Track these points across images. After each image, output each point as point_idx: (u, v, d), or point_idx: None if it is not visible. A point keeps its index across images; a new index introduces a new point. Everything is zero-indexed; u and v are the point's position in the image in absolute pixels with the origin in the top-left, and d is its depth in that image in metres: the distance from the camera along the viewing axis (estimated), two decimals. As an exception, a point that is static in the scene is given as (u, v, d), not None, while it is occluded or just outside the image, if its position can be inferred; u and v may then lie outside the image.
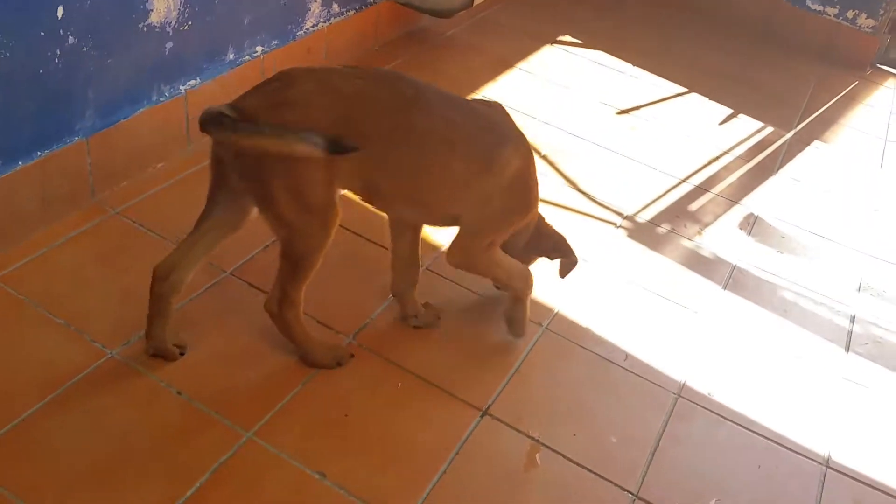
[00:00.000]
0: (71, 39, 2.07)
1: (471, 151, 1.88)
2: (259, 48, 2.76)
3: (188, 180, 2.43)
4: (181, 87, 2.49)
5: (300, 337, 1.91)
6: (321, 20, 3.01)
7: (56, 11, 2.01)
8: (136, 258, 2.09)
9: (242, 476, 1.66)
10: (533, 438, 1.92)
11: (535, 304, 2.23)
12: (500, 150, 1.89)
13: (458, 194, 1.91)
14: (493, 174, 1.89)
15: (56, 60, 2.05)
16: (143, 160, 2.43)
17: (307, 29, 2.95)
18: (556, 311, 2.30)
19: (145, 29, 2.30)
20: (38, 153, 2.10)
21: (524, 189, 2.00)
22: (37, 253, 2.08)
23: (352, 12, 3.16)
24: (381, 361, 2.02)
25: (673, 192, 2.96)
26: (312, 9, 2.94)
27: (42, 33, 1.99)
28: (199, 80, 2.54)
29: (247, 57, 2.72)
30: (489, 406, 1.97)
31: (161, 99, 2.43)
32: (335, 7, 3.06)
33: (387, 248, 2.10)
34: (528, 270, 2.13)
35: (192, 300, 2.03)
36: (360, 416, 1.87)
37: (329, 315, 2.08)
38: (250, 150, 1.68)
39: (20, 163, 2.05)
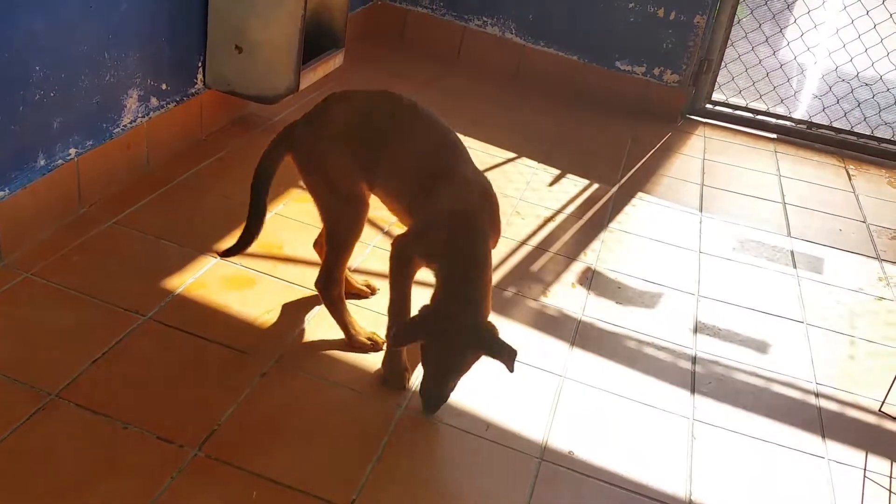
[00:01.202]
0: None
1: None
2: (72, 150, 2.63)
3: (3, 297, 2.26)
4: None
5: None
6: (139, 115, 2.92)
7: None
8: None
9: None
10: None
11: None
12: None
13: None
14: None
15: None
16: None
17: (124, 126, 2.85)
18: (412, 387, 2.28)
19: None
20: None
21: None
22: None
23: (172, 104, 3.09)
24: (234, 471, 1.91)
25: (514, 255, 3.05)
26: (128, 105, 2.85)
27: None
28: (7, 190, 2.39)
29: (59, 160, 2.58)
30: (353, 501, 1.91)
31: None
32: (153, 101, 2.98)
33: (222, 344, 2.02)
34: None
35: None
36: None
37: (172, 425, 1.97)
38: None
39: None
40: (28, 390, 2.00)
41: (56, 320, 2.24)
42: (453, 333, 2.05)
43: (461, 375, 2.13)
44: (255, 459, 1.94)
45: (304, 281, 2.58)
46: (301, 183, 2.47)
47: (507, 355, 2.04)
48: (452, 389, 2.16)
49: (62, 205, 2.62)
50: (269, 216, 2.87)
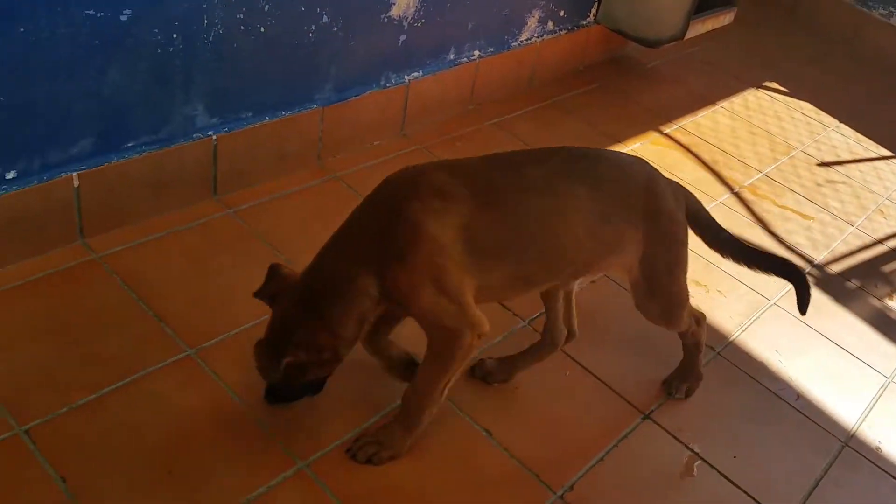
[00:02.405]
0: (325, 19, 2.38)
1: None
2: (476, 52, 3.01)
3: (399, 160, 2.70)
4: (405, 77, 2.77)
5: None
6: (535, 35, 3.24)
7: (318, -7, 2.34)
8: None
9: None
10: (691, 450, 1.99)
11: (711, 329, 2.31)
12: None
13: None
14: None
15: (310, 35, 2.37)
16: (364, 136, 2.72)
17: (521, 41, 3.19)
18: (730, 338, 2.36)
19: (385, 20, 2.59)
20: (283, 113, 2.42)
21: None
22: (268, 197, 2.40)
23: (563, 32, 3.37)
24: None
25: (867, 250, 2.94)
26: (529, 23, 3.17)
27: (302, 9, 2.31)
28: (421, 73, 2.82)
29: (465, 59, 2.98)
30: (651, 412, 2.07)
31: (387, 85, 2.72)
32: (550, 24, 3.28)
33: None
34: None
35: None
36: (528, 393, 2.02)
37: (513, 303, 2.26)
38: None
39: (267, 118, 2.38)
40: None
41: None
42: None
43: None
44: (574, 347, 2.17)
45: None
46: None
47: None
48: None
49: (458, 97, 3.03)
50: (632, 147, 3.07)
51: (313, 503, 1.63)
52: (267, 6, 2.19)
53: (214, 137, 2.26)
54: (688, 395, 2.14)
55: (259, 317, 1.91)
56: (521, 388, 2.02)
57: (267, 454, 1.70)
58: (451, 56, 2.93)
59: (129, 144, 2.08)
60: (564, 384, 2.08)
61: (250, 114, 2.34)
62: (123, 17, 1.89)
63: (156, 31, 1.98)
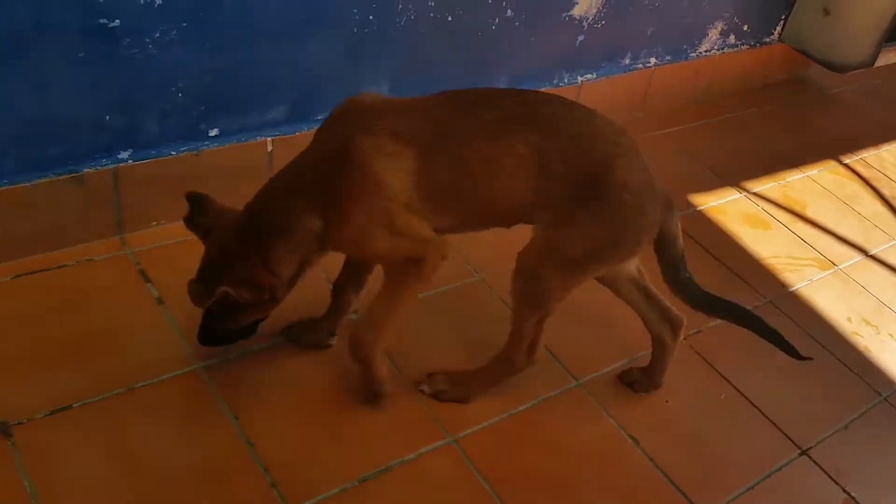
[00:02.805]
0: (509, 12, 2.44)
1: None
2: (653, 60, 2.99)
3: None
4: (578, 78, 2.79)
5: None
6: (715, 47, 3.17)
7: (506, -15, 2.39)
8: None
9: (563, 412, 1.88)
10: (847, 493, 1.90)
11: (878, 372, 2.20)
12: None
13: None
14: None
15: (493, 27, 2.43)
16: (530, 132, 2.76)
17: (700, 52, 3.13)
18: (900, 382, 2.24)
19: (566, 19, 2.62)
20: (458, 101, 2.50)
21: None
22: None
23: (745, 47, 3.29)
24: (710, 370, 2.12)
25: None
26: (710, 35, 3.11)
27: (490, 1, 2.38)
28: (594, 75, 2.83)
29: (640, 65, 2.96)
30: (809, 448, 1.99)
31: (559, 84, 2.75)
32: (731, 38, 3.21)
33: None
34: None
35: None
36: (678, 408, 1.99)
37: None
38: None
39: (443, 105, 2.46)
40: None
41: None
42: None
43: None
44: (731, 370, 2.12)
45: (815, 243, 2.64)
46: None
47: None
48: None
49: (628, 103, 3.01)
50: (809, 174, 2.98)
51: (458, 476, 1.68)
52: (443, -5, 2.27)
53: (393, 118, 2.36)
54: (638, 389, 1.99)
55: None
56: (672, 403, 1.99)
57: (420, 424, 1.76)
58: (627, 61, 2.93)
59: (319, 116, 2.20)
60: (718, 405, 2.04)
61: (428, 98, 2.43)
62: (327, -5, 2.02)
63: (355, 10, 2.09)
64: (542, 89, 2.67)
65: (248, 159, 2.10)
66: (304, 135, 2.16)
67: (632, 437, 1.87)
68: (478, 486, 1.67)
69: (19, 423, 1.56)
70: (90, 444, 1.57)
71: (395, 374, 1.84)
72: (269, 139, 2.12)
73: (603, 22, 2.72)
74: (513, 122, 1.63)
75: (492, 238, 1.86)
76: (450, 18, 2.30)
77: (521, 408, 1.86)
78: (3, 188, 1.79)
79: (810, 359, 1.87)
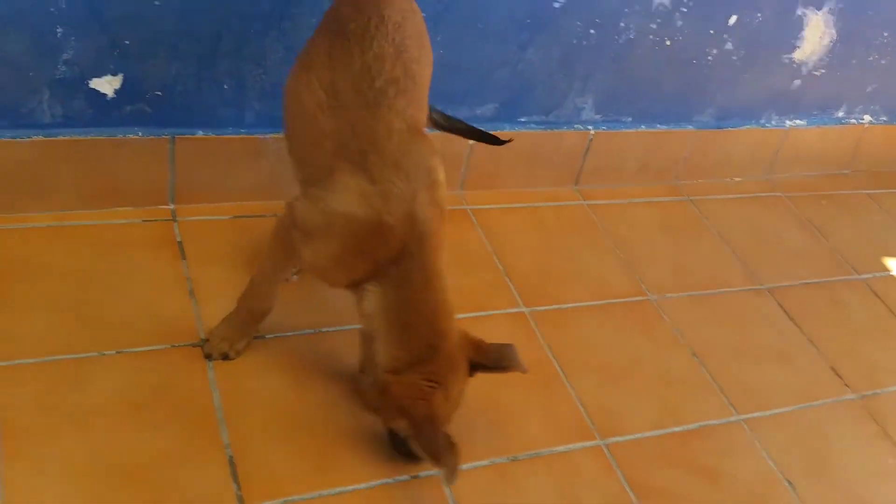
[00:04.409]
0: (728, 45, 2.50)
1: None
2: (867, 117, 2.95)
3: (756, 202, 2.76)
4: (787, 122, 2.81)
5: None
6: (940, 115, 3.08)
7: (729, 19, 2.45)
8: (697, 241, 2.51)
9: (720, 442, 1.92)
10: None
11: None
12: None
13: None
14: None
15: (709, 58, 2.50)
16: (727, 168, 2.80)
17: (924, 116, 3.05)
18: None
19: (786, 61, 2.64)
20: (659, 126, 2.59)
21: None
22: (621, 200, 2.58)
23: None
24: (883, 438, 2.09)
25: None
26: (937, 101, 3.03)
27: (711, 32, 2.45)
28: (805, 122, 2.84)
29: (853, 120, 2.93)
30: None
31: (767, 125, 2.78)
32: (960, 107, 3.10)
33: None
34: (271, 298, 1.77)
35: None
36: (840, 460, 1.98)
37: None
38: None
39: (643, 126, 2.56)
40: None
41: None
42: None
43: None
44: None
45: None
46: None
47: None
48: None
49: (836, 157, 2.99)
50: None
51: (602, 478, 1.76)
52: (681, 22, 2.36)
53: (592, 132, 2.47)
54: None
55: (583, 300, 2.15)
56: (834, 453, 1.99)
57: (573, 420, 1.86)
58: (840, 113, 2.90)
59: (522, 119, 2.35)
60: (885, 467, 2.01)
61: (630, 119, 2.53)
62: (556, 5, 2.16)
63: (578, 23, 2.22)
64: (748, 126, 2.73)
65: (450, 150, 2.25)
66: (505, 133, 2.32)
67: (788, 481, 1.89)
68: (622, 492, 1.75)
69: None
70: (272, 370, 1.77)
71: (553, 368, 1.96)
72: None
73: (823, 70, 2.72)
74: None
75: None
76: (668, 42, 2.39)
77: (676, 428, 1.92)
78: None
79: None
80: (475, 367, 1.61)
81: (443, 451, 1.48)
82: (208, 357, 1.76)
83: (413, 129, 1.56)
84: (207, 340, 1.77)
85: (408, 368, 1.54)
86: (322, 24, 1.66)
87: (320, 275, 1.67)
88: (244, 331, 1.78)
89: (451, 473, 1.48)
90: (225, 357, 1.76)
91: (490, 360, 1.62)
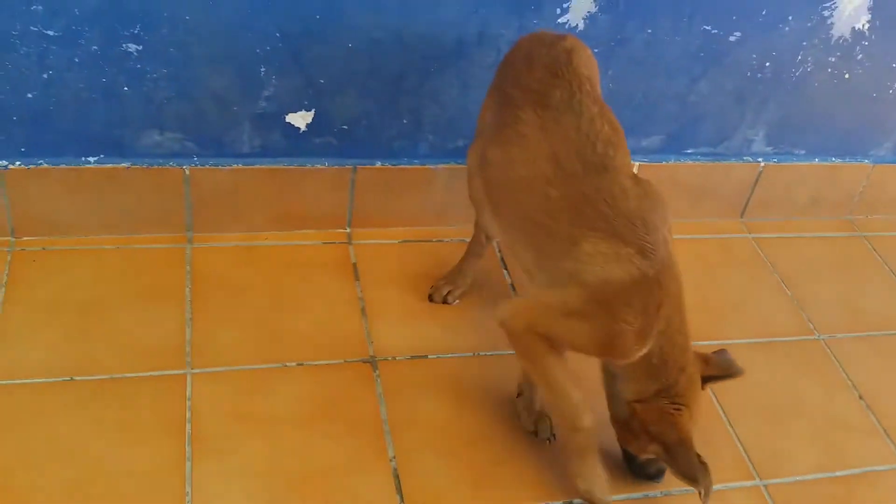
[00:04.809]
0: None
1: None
2: None
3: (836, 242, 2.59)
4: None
5: None
6: None
7: None
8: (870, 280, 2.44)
9: (886, 488, 1.85)
10: None
11: None
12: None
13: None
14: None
15: (890, 91, 2.41)
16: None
17: None
18: None
19: (891, 92, 2.47)
20: (832, 159, 2.52)
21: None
22: (790, 234, 2.53)
23: None
24: None
25: None
26: None
27: (893, 65, 2.36)
28: (863, 160, 2.59)
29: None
30: None
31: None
32: None
33: None
34: (579, 404, 1.63)
35: None
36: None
37: None
38: None
39: (816, 159, 2.50)
40: None
41: None
42: None
43: None
44: None
45: None
46: None
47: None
48: None
49: None
50: None
51: (758, 520, 1.76)
52: (861, 55, 2.29)
53: (762, 165, 2.44)
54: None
55: (746, 337, 2.14)
56: None
57: (731, 460, 1.86)
58: None
59: (689, 151, 2.36)
60: None
61: (803, 151, 2.47)
62: (732, 38, 2.16)
63: (753, 56, 2.21)
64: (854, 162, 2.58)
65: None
66: (669, 165, 2.35)
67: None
68: (779, 535, 1.73)
69: (384, 360, 1.92)
70: (433, 389, 1.87)
71: (721, 411, 1.95)
72: (636, 164, 2.30)
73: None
74: None
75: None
76: (847, 76, 2.33)
77: (840, 472, 1.87)
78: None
79: None
80: (705, 380, 1.66)
81: (698, 471, 1.54)
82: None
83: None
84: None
85: (654, 396, 1.59)
86: (509, 91, 1.70)
87: (588, 353, 1.62)
88: (592, 454, 1.67)
89: (707, 492, 1.53)
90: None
91: (718, 370, 1.67)
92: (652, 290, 1.51)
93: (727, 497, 1.77)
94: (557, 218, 1.57)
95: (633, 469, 1.75)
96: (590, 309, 1.53)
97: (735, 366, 1.68)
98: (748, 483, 1.81)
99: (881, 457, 1.93)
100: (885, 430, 1.98)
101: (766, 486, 1.80)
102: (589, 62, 1.70)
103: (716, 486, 1.75)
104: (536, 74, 1.65)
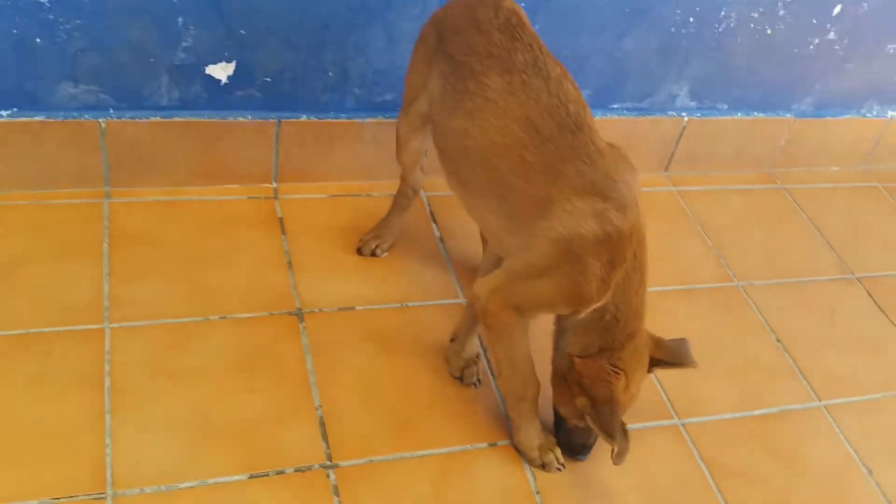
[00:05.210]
0: (831, 35, 2.46)
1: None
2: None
3: (853, 192, 2.72)
4: (889, 112, 2.75)
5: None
6: None
7: (833, 9, 2.41)
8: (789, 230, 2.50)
9: (799, 428, 1.93)
10: None
11: None
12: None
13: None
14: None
15: (811, 47, 2.48)
16: (824, 158, 2.76)
17: None
18: None
19: (892, 51, 2.59)
20: (755, 113, 2.58)
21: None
22: (712, 187, 2.59)
23: None
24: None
25: None
26: None
27: (814, 21, 2.42)
28: (905, 111, 2.77)
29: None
30: None
31: (867, 115, 2.73)
32: None
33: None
34: (532, 377, 1.71)
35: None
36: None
37: None
38: None
39: (739, 114, 2.56)
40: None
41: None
42: None
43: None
44: None
45: None
46: None
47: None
48: None
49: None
50: None
51: (678, 456, 1.82)
52: (783, 11, 2.34)
53: (686, 119, 2.49)
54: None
55: (668, 285, 2.17)
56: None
57: (651, 400, 1.90)
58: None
59: (615, 105, 2.40)
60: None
61: (726, 106, 2.53)
62: (646, -7, 2.20)
63: (678, 11, 2.25)
64: (847, 116, 2.70)
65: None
66: (595, 120, 2.35)
67: (867, 467, 1.89)
68: (696, 470, 1.79)
69: (311, 312, 1.91)
70: (361, 340, 1.87)
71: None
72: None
73: (923, 57, 2.65)
74: None
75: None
76: (769, 31, 2.38)
77: (756, 412, 1.94)
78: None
79: None
80: (654, 363, 1.66)
81: (618, 431, 1.54)
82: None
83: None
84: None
85: (597, 354, 1.60)
86: (463, 59, 1.65)
87: (554, 308, 1.63)
88: (533, 418, 1.73)
89: (622, 454, 1.54)
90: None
91: (670, 356, 1.67)
92: (622, 244, 1.52)
93: (646, 435, 1.83)
94: (534, 180, 1.56)
95: (560, 437, 1.76)
96: (558, 262, 1.53)
97: (688, 357, 1.68)
98: (667, 422, 1.86)
99: (797, 396, 2.01)
100: (800, 371, 2.06)
101: (684, 425, 1.87)
102: (524, 18, 1.69)
103: (635, 425, 1.81)
104: (494, 38, 1.63)
